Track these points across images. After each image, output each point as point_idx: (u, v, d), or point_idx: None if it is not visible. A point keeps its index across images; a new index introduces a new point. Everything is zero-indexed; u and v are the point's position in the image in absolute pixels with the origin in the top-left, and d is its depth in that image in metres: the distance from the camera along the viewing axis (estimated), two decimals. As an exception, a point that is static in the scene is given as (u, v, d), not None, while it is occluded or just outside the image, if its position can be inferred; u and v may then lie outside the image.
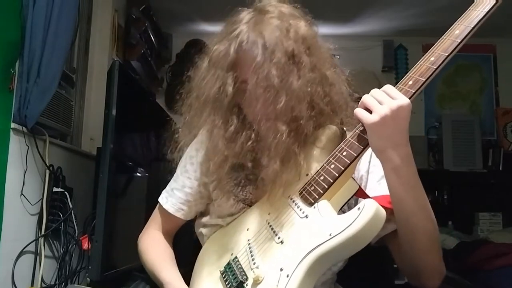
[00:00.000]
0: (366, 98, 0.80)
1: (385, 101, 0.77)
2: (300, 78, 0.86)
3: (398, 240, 0.87)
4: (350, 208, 0.90)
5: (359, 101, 1.00)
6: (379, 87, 0.81)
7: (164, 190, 1.09)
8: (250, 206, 0.96)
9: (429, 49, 0.83)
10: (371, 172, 0.94)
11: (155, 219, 1.09)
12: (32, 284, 1.73)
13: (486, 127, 3.99)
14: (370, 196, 0.86)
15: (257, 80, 0.85)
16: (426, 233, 0.82)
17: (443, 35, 0.84)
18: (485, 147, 3.82)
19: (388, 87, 0.80)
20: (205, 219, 1.05)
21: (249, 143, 0.89)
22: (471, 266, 2.58)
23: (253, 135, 0.90)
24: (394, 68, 4.10)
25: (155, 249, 1.04)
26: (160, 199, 1.08)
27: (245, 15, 0.92)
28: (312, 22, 0.95)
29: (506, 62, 4.08)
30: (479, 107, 4.11)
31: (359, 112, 0.80)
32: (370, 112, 0.78)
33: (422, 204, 0.81)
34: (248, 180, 0.96)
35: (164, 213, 1.06)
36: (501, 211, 3.48)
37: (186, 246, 1.19)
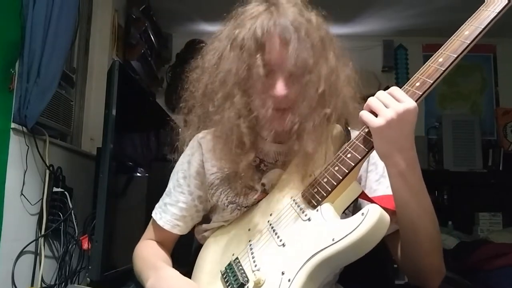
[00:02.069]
0: (372, 101, 0.78)
1: (391, 104, 0.75)
2: (329, 63, 0.86)
3: (399, 240, 0.86)
4: (351, 211, 0.90)
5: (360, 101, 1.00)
6: (379, 87, 0.80)
7: (157, 205, 1.04)
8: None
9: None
10: (370, 171, 0.93)
11: (150, 234, 1.05)
12: (32, 284, 1.73)
13: (486, 127, 3.98)
14: (371, 196, 0.86)
15: (292, 63, 0.82)
16: (429, 235, 0.81)
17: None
18: (485, 147, 3.81)
19: (394, 89, 0.79)
20: (206, 225, 1.03)
21: (295, 126, 0.84)
22: (471, 266, 2.58)
23: (296, 119, 0.84)
24: (394, 68, 4.10)
25: (148, 251, 1.00)
26: (154, 215, 1.03)
27: (257, 4, 0.90)
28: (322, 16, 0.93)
29: (506, 62, 4.07)
30: (479, 107, 4.11)
31: (365, 115, 0.78)
32: (376, 115, 0.77)
33: (426, 207, 0.81)
34: (250, 186, 0.94)
35: (159, 229, 1.02)
36: (501, 211, 3.48)
37: (186, 246, 1.19)
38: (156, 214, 1.03)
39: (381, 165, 0.91)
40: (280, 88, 0.84)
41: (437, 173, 3.75)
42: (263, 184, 0.94)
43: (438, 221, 0.83)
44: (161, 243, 1.03)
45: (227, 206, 0.96)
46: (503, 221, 3.46)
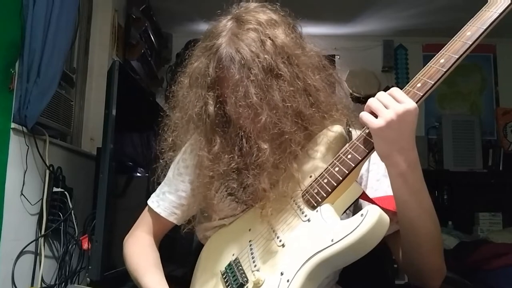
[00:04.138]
0: (372, 102, 0.78)
1: (391, 105, 0.75)
2: (280, 92, 0.83)
3: (399, 240, 0.86)
4: (352, 211, 0.90)
5: (358, 100, 1.00)
6: (379, 87, 0.80)
7: (153, 194, 1.05)
8: (253, 205, 0.95)
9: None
10: (371, 170, 0.94)
11: (143, 222, 1.05)
12: (32, 284, 1.73)
13: (486, 127, 3.98)
14: (371, 196, 0.86)
15: (236, 99, 0.83)
16: (429, 235, 0.81)
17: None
18: (485, 147, 3.82)
19: (394, 90, 0.78)
20: (207, 224, 1.03)
21: (233, 164, 0.87)
22: (471, 266, 2.58)
23: (236, 156, 0.87)
24: (394, 68, 4.10)
25: (140, 253, 1.00)
26: (150, 203, 1.03)
27: (224, 25, 0.90)
28: (294, 26, 0.92)
29: (506, 62, 4.08)
30: (479, 107, 4.11)
31: (364, 116, 0.78)
32: (376, 116, 0.76)
33: (427, 208, 0.81)
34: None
35: (155, 216, 1.02)
36: (501, 211, 3.48)
37: (186, 246, 1.19)
38: (153, 202, 1.03)
39: (382, 165, 0.91)
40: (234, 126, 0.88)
41: (437, 173, 3.75)
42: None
43: (438, 221, 0.83)
44: (153, 233, 1.03)
45: (226, 197, 0.96)
46: (503, 221, 3.46)
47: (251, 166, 0.85)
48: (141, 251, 1.00)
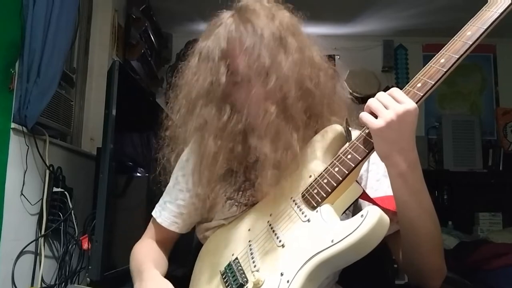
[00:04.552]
0: (372, 102, 0.78)
1: (391, 105, 0.75)
2: (288, 60, 0.87)
3: (399, 240, 0.86)
4: (351, 212, 0.90)
5: (357, 99, 1.00)
6: (379, 87, 0.80)
7: (157, 204, 1.06)
8: (252, 206, 0.95)
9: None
10: (371, 170, 0.93)
11: (149, 232, 1.06)
12: (32, 284, 1.73)
13: (486, 127, 3.99)
14: (371, 196, 0.86)
15: (248, 61, 0.85)
16: (429, 235, 0.81)
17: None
18: (485, 147, 3.82)
19: (394, 90, 0.78)
20: (207, 224, 1.03)
21: (240, 125, 0.88)
22: (471, 266, 2.58)
23: (243, 118, 0.88)
24: (394, 68, 4.10)
25: (141, 252, 1.00)
26: (153, 213, 1.04)
27: (227, 13, 0.94)
28: (295, 12, 0.96)
29: (506, 62, 4.08)
30: (479, 107, 4.11)
31: (364, 116, 0.78)
32: (376, 116, 0.76)
33: (427, 208, 0.80)
34: (249, 183, 0.96)
35: (158, 227, 1.03)
36: (501, 211, 3.48)
37: (186, 246, 1.19)
38: (156, 212, 1.04)
39: (381, 165, 0.91)
40: (246, 92, 0.87)
41: (437, 173, 3.75)
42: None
43: (438, 221, 0.83)
44: (160, 242, 1.04)
45: (225, 202, 0.96)
46: (503, 221, 3.46)
47: (257, 128, 0.86)
48: (146, 250, 1.01)
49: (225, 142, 0.89)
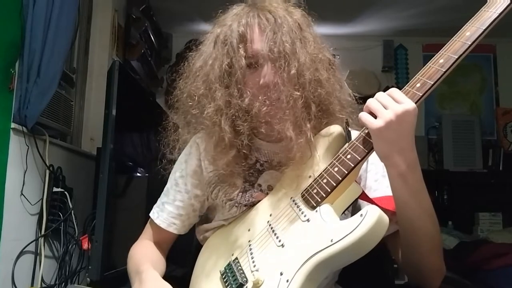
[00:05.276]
0: (371, 102, 0.78)
1: (390, 105, 0.75)
2: (306, 49, 0.89)
3: (399, 240, 0.86)
4: (351, 212, 0.90)
5: (357, 100, 1.00)
6: (379, 87, 0.80)
7: (155, 205, 1.05)
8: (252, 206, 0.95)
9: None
10: (370, 170, 0.94)
11: (147, 233, 1.05)
12: (32, 284, 1.73)
13: (486, 127, 3.99)
14: (370, 196, 0.86)
15: (269, 46, 0.87)
16: (429, 235, 0.81)
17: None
18: (485, 147, 3.82)
19: (393, 91, 0.78)
20: (206, 225, 1.03)
21: (264, 108, 0.87)
22: (471, 266, 2.58)
23: (267, 101, 0.87)
24: (394, 68, 4.11)
25: (138, 252, 1.00)
26: (151, 214, 1.04)
27: (241, 5, 0.95)
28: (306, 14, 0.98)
29: (506, 62, 4.08)
30: (479, 107, 4.11)
31: (364, 116, 0.78)
32: (375, 116, 0.77)
33: (426, 208, 0.81)
34: (248, 184, 0.96)
35: (156, 228, 1.02)
36: (501, 211, 3.48)
37: (186, 246, 1.19)
38: (154, 213, 1.04)
39: (380, 165, 0.91)
40: (265, 76, 0.87)
41: (437, 173, 3.75)
42: (259, 185, 0.95)
43: (438, 221, 0.83)
44: (157, 244, 1.03)
45: (226, 203, 0.96)
46: (503, 221, 3.46)
47: (280, 112, 0.87)
48: (144, 251, 1.01)
49: (249, 122, 0.89)
